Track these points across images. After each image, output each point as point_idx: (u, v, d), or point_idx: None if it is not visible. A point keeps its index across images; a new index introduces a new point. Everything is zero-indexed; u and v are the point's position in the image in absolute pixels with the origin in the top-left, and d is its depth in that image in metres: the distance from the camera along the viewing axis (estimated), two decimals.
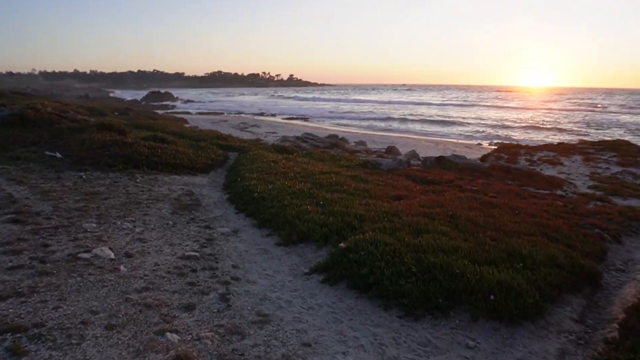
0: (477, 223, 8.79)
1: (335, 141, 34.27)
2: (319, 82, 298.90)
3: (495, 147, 29.46)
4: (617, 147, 25.10)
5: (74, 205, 8.54)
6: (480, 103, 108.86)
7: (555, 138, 51.70)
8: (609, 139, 49.77)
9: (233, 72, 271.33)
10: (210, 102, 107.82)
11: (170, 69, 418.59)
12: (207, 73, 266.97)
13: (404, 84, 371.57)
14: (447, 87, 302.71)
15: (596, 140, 50.92)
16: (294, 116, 73.02)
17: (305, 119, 70.84)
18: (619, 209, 12.25)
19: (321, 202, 9.08)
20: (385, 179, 13.40)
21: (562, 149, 25.54)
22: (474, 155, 40.80)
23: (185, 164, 13.86)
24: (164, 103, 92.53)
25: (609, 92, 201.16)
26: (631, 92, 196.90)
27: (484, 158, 25.37)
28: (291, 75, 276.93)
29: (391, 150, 37.52)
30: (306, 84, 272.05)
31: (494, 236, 8.03)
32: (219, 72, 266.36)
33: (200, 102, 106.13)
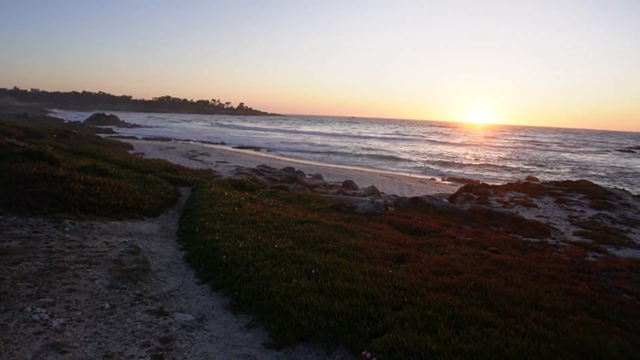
0: (509, 297, 6.92)
1: (292, 174, 32.06)
2: (269, 112, 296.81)
3: (461, 186, 28.03)
4: (584, 188, 24.21)
5: None
6: (427, 137, 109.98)
7: (507, 175, 51.64)
8: (567, 179, 50.09)
9: (182, 97, 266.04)
10: (158, 127, 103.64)
11: (117, 92, 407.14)
12: (155, 97, 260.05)
13: (352, 117, 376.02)
14: (393, 121, 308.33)
15: (547, 179, 51.28)
16: (245, 145, 70.67)
17: (256, 148, 68.74)
18: (626, 262, 11.31)
19: (313, 272, 6.77)
20: (370, 229, 11.25)
21: (531, 189, 24.36)
22: (431, 191, 39.58)
23: (130, 205, 11.23)
24: (109, 126, 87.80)
25: (545, 130, 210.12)
26: (565, 131, 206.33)
27: (452, 198, 23.82)
28: (241, 104, 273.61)
29: (349, 185, 35.75)
30: (256, 112, 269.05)
31: (540, 319, 6.20)
32: (168, 97, 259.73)
33: (147, 126, 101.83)
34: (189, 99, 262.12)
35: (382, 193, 33.33)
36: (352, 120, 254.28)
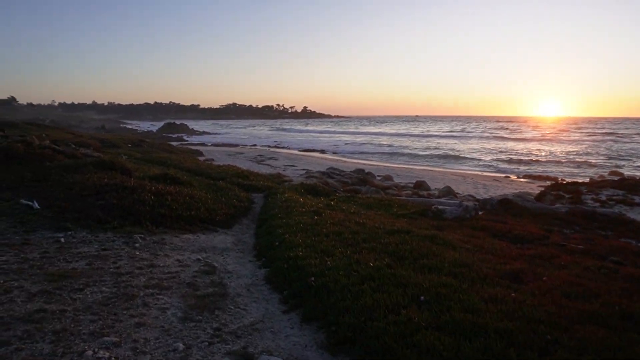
0: None
1: (362, 176, 30.80)
2: (333, 114, 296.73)
3: (547, 184, 25.68)
4: None
5: (23, 308, 5.02)
6: (495, 133, 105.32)
7: (589, 171, 47.86)
8: None
9: (247, 104, 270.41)
10: (226, 133, 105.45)
11: (185, 101, 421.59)
12: (221, 105, 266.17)
13: (416, 115, 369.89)
14: (458, 118, 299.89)
15: (636, 174, 47.06)
16: (310, 148, 70.18)
17: (322, 151, 68.03)
18: None
19: (422, 298, 5.49)
20: (467, 238, 9.80)
21: (629, 185, 21.79)
22: (508, 190, 37.13)
23: (202, 216, 10.38)
24: (180, 135, 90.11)
25: (623, 121, 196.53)
26: None
27: (540, 197, 21.70)
28: (305, 107, 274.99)
29: (420, 186, 34.06)
30: (320, 115, 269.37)
31: None
32: (234, 104, 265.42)
33: (215, 133, 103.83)
34: (254, 105, 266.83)
35: (458, 194, 31.45)
36: (415, 119, 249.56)
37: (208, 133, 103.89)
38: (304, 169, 42.98)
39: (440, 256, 7.51)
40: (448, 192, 30.06)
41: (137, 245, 7.86)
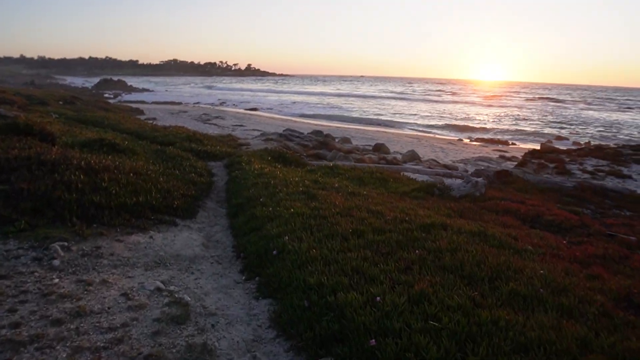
0: None
1: (322, 139, 28.02)
2: (278, 73, 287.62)
3: (526, 151, 23.87)
4: None
5: None
6: (437, 96, 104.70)
7: (536, 137, 47.27)
8: (598, 140, 45.71)
9: (189, 60, 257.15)
10: (166, 91, 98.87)
11: (123, 57, 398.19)
12: (162, 61, 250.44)
13: (361, 76, 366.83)
14: (401, 79, 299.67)
15: (580, 140, 46.91)
16: (256, 107, 66.51)
17: (269, 109, 64.62)
18: None
19: None
20: (505, 229, 7.36)
21: (610, 155, 20.22)
22: (467, 154, 35.53)
23: (155, 202, 7.27)
24: (117, 91, 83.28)
25: (558, 87, 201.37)
26: (578, 88, 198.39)
27: (521, 165, 19.79)
28: (249, 65, 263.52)
29: (379, 149, 31.79)
30: (264, 74, 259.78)
31: None
32: (175, 60, 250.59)
33: (155, 90, 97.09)
34: (195, 62, 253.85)
35: (421, 158, 29.39)
36: (360, 80, 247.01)
37: (148, 90, 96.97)
38: (254, 129, 39.75)
39: (522, 273, 4.99)
40: (413, 156, 27.91)
41: (55, 263, 4.81)
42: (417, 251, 5.35)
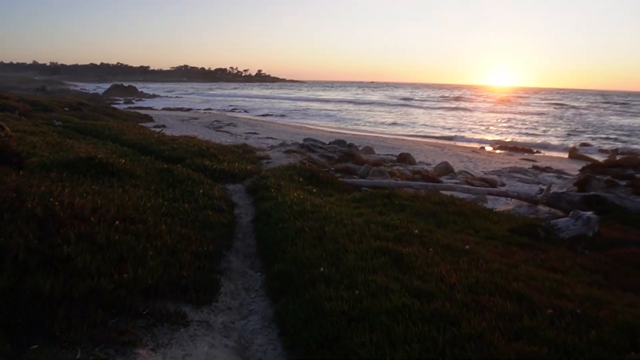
0: None
1: (347, 150, 24.97)
2: (288, 78, 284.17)
3: (584, 165, 20.63)
4: None
5: None
6: (453, 102, 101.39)
7: (565, 142, 44.09)
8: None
9: (199, 66, 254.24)
10: (177, 97, 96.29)
11: (134, 63, 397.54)
12: (172, 67, 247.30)
13: (372, 82, 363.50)
14: (416, 85, 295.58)
15: (605, 146, 43.65)
16: (269, 113, 63.76)
17: (282, 116, 61.86)
18: None
19: None
20: None
21: None
22: (497, 165, 32.31)
23: (152, 281, 4.16)
24: (128, 97, 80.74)
25: (570, 93, 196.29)
26: (590, 93, 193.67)
27: (584, 182, 16.63)
28: (259, 71, 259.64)
29: (405, 159, 28.62)
30: (275, 79, 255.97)
31: None
32: (185, 66, 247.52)
33: (166, 96, 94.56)
34: (206, 68, 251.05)
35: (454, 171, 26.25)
36: (371, 85, 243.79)
37: (158, 96, 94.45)
38: (268, 137, 36.87)
39: None
40: (447, 169, 24.76)
41: None
42: None
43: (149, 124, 34.72)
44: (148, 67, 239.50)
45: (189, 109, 62.47)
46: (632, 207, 10.45)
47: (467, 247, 5.82)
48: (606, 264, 6.34)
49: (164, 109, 59.89)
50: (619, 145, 43.61)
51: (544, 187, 16.35)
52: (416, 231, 6.35)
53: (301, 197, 8.42)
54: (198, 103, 78.27)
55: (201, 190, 8.68)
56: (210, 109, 65.64)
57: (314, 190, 10.51)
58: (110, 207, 5.58)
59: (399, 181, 16.71)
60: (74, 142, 13.34)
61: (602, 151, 41.57)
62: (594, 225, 8.10)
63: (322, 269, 4.75)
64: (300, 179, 11.53)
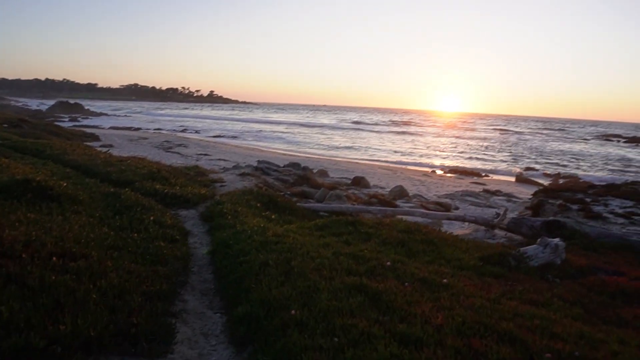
0: None
1: (302, 173, 24.51)
2: (241, 100, 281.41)
3: (536, 190, 21.00)
4: None
5: None
6: (399, 126, 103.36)
7: (509, 167, 45.46)
8: (571, 172, 44.12)
9: (150, 85, 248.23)
10: (126, 115, 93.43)
11: (82, 79, 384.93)
12: (122, 85, 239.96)
13: (323, 105, 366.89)
14: (364, 109, 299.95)
15: (547, 170, 45.38)
16: (220, 134, 62.74)
17: (234, 137, 60.96)
18: None
19: None
20: None
21: (629, 192, 17.57)
22: (448, 188, 32.74)
23: (94, 333, 3.37)
24: (74, 115, 77.44)
25: (513, 119, 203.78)
26: (532, 120, 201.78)
27: (538, 207, 16.83)
28: (212, 92, 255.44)
29: (359, 182, 28.48)
30: (227, 101, 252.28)
31: None
32: (135, 84, 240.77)
33: (114, 115, 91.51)
34: (157, 87, 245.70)
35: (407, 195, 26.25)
36: (322, 109, 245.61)
37: (106, 114, 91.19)
38: (220, 159, 36.00)
39: None
40: (401, 193, 24.68)
41: None
42: None
43: (95, 144, 33.13)
44: (96, 84, 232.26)
45: (138, 129, 60.54)
46: (591, 232, 10.46)
47: (444, 280, 5.42)
48: (583, 295, 6.11)
49: (111, 127, 57.75)
50: (560, 170, 45.37)
51: (500, 212, 16.43)
52: (388, 263, 5.90)
53: (262, 225, 7.83)
54: (147, 122, 76.11)
55: (152, 217, 7.93)
56: (160, 129, 63.84)
57: (273, 216, 9.94)
58: (46, 240, 4.83)
59: (357, 206, 16.36)
60: (9, 162, 12.20)
61: (546, 174, 43.06)
62: (562, 252, 7.94)
63: (293, 311, 4.18)
64: (258, 204, 10.93)
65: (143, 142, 41.39)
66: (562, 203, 16.73)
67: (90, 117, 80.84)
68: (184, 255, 6.38)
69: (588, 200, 17.10)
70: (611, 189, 18.72)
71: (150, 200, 9.70)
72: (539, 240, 7.93)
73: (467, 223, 15.99)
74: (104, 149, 26.36)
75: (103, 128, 54.76)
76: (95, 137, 37.64)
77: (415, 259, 6.67)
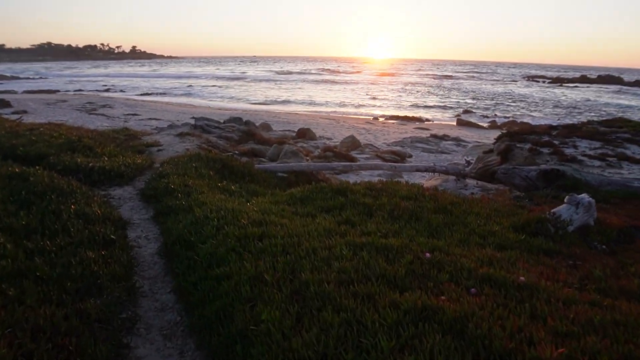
0: None
1: (246, 129, 22.13)
2: (166, 55, 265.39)
3: (499, 134, 19.86)
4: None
5: None
6: (333, 75, 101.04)
7: (449, 113, 44.97)
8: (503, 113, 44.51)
9: (65, 43, 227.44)
10: (41, 78, 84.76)
11: None
12: (33, 45, 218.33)
13: (254, 56, 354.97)
14: (297, 58, 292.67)
15: (480, 113, 45.39)
16: (148, 92, 58.18)
17: (163, 94, 56.78)
18: None
19: None
20: None
21: (590, 133, 16.75)
22: (396, 135, 31.65)
23: None
24: None
25: (443, 63, 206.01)
26: (460, 64, 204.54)
27: (507, 150, 15.61)
28: (134, 47, 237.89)
29: (304, 135, 26.73)
30: (151, 56, 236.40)
31: None
32: (49, 43, 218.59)
33: (27, 78, 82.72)
34: (74, 45, 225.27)
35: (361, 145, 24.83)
36: (254, 60, 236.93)
37: (18, 77, 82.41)
38: (152, 118, 32.82)
39: None
40: (353, 143, 23.06)
41: None
42: None
43: (6, 110, 28.83)
44: (3, 45, 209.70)
45: (56, 91, 54.67)
46: (593, 181, 9.18)
47: (521, 278, 3.68)
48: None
49: (25, 92, 51.63)
50: (498, 113, 45.34)
51: (471, 160, 15.10)
52: (427, 254, 4.08)
53: (228, 206, 5.74)
54: (66, 84, 69.26)
55: (73, 208, 5.64)
56: (81, 90, 58.15)
57: (233, 187, 7.83)
58: None
59: (318, 163, 14.45)
60: None
61: (483, 117, 42.90)
62: (594, 211, 6.48)
63: None
64: (211, 172, 8.75)
65: (62, 106, 36.93)
66: (532, 147, 15.51)
67: (0, 81, 72.52)
68: (126, 269, 4.24)
69: (556, 142, 16.03)
70: (574, 130, 17.79)
71: (71, 180, 7.27)
72: (566, 198, 6.39)
73: (431, 173, 14.64)
74: (16, 116, 22.53)
75: (15, 92, 48.81)
76: (6, 103, 32.92)
77: (444, 240, 4.91)
